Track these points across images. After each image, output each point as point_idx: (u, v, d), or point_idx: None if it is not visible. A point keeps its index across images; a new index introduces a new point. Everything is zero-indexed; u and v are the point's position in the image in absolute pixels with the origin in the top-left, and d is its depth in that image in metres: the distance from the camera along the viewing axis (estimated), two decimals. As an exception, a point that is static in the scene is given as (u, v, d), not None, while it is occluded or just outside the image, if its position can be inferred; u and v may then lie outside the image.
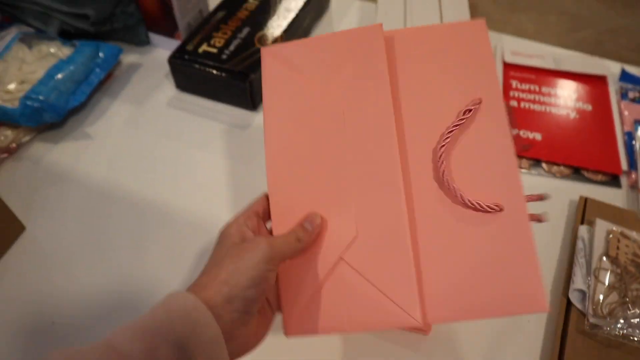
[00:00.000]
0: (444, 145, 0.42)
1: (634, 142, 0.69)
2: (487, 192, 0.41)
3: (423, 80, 0.44)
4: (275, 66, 0.47)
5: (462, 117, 0.42)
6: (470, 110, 0.42)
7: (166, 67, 0.80)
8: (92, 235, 0.61)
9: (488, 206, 0.40)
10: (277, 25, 0.77)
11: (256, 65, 0.71)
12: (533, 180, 0.67)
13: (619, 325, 0.51)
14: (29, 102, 0.67)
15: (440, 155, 0.41)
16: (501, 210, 0.40)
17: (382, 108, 0.43)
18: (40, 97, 0.68)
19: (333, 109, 0.44)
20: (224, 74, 0.70)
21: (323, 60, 0.46)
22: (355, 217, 0.42)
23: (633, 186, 0.66)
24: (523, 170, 0.68)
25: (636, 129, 0.71)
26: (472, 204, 0.40)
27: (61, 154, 0.70)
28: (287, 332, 0.43)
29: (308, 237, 0.41)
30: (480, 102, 0.42)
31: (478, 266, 0.40)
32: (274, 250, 0.38)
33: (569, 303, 0.54)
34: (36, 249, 0.60)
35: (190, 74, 0.73)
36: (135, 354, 0.31)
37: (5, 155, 0.69)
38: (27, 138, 0.70)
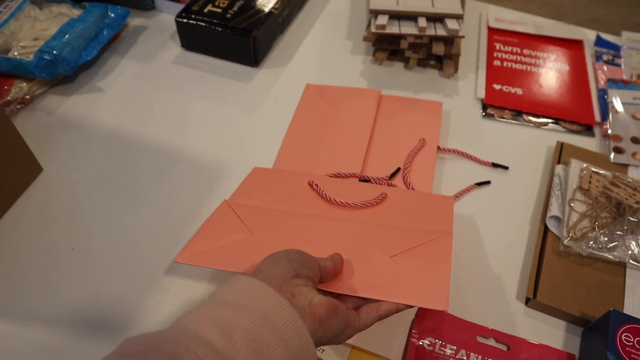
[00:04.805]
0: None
1: (606, 97, 0.75)
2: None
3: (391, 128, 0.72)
4: (312, 96, 0.75)
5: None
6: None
7: (171, 29, 0.84)
8: (104, 175, 0.66)
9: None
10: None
11: (258, 23, 0.76)
12: (514, 129, 0.73)
13: (590, 246, 0.57)
14: (43, 55, 0.71)
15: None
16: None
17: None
18: (54, 51, 0.72)
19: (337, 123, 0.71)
20: (228, 31, 0.75)
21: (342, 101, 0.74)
22: None
23: (605, 135, 0.71)
24: (506, 120, 0.73)
25: (609, 87, 0.77)
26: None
27: (74, 105, 0.74)
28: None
29: (331, 264, 0.47)
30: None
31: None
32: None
33: (545, 229, 0.60)
34: (54, 187, 0.64)
35: (196, 32, 0.77)
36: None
37: (20, 106, 0.73)
38: (40, 91, 0.74)
